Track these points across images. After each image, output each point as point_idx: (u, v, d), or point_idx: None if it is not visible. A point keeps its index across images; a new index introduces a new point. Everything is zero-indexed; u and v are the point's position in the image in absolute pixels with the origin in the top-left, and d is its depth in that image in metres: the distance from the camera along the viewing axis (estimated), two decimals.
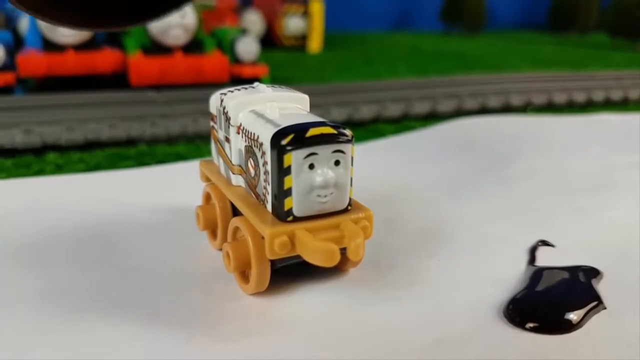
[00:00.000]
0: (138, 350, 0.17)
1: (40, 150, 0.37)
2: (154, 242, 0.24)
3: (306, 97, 0.22)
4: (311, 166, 0.18)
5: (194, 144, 0.40)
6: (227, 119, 0.21)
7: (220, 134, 0.22)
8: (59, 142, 0.37)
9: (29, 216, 0.26)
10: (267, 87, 0.22)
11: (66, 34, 0.50)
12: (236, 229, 0.21)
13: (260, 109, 0.20)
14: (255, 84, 0.22)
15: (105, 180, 0.31)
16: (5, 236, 0.24)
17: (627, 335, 0.18)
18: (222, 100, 0.21)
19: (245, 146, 0.20)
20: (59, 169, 0.34)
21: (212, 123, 0.23)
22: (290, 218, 0.18)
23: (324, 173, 0.18)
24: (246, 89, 0.22)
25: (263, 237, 0.18)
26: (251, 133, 0.19)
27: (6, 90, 0.49)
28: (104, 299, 0.20)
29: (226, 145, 0.22)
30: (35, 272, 0.21)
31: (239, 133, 0.20)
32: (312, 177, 0.18)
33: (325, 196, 0.18)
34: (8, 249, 0.23)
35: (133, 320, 0.18)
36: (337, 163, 0.19)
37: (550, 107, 0.54)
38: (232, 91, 0.22)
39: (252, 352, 0.17)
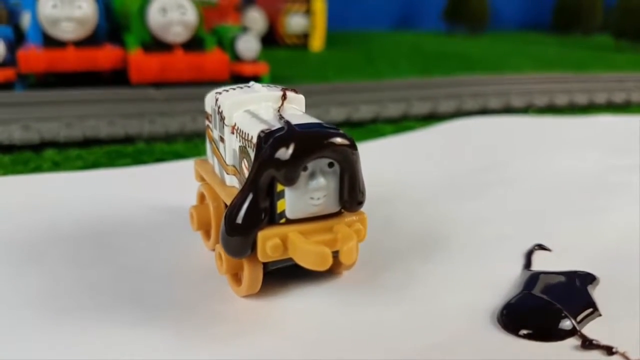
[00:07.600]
0: (130, 350, 0.17)
1: (38, 147, 0.37)
2: (148, 241, 0.24)
3: (302, 97, 0.22)
4: (304, 168, 0.18)
5: (192, 142, 0.40)
6: (222, 119, 0.21)
7: (215, 134, 0.22)
8: (57, 139, 0.37)
9: (26, 213, 0.26)
10: (263, 86, 0.22)
11: (67, 30, 0.50)
12: None
13: (255, 109, 0.20)
14: (251, 83, 0.22)
15: (103, 178, 0.31)
16: (2, 233, 0.24)
17: (623, 343, 0.18)
18: (217, 100, 0.21)
19: (240, 146, 0.20)
20: (56, 166, 0.34)
21: (207, 122, 0.23)
22: (282, 220, 0.18)
23: (317, 175, 0.18)
24: (242, 88, 0.22)
25: None
26: (245, 133, 0.19)
27: (6, 86, 0.49)
28: (96, 298, 0.20)
29: (221, 145, 0.21)
30: (31, 270, 0.21)
31: (233, 133, 0.20)
32: (305, 179, 0.18)
33: (319, 198, 0.18)
34: (4, 246, 0.23)
35: (126, 320, 0.18)
36: (330, 165, 0.18)
37: (552, 109, 0.54)
38: (227, 90, 0.22)
39: (244, 354, 0.17)
